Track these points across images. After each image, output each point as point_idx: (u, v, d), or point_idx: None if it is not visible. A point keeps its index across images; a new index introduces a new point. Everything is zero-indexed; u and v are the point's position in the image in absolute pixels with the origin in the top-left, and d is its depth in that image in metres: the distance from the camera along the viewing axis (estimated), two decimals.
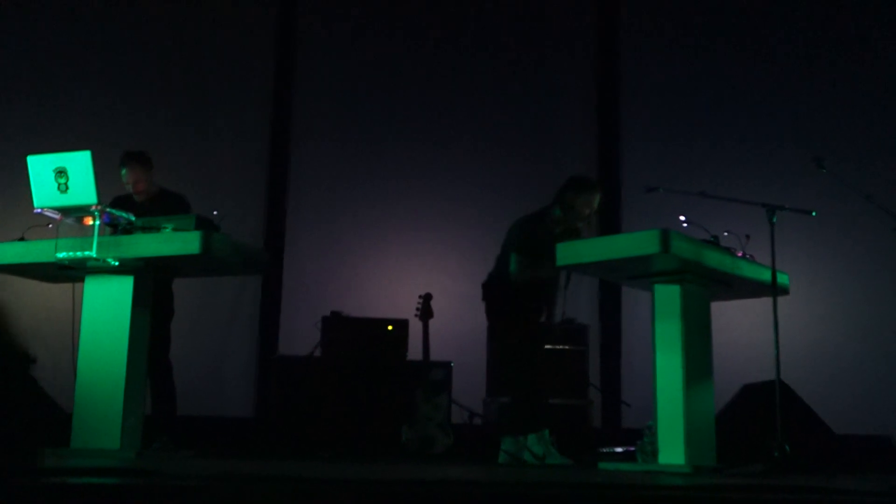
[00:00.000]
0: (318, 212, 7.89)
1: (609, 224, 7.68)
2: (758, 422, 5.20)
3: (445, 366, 6.43)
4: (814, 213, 4.99)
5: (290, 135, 7.97)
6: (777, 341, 4.70)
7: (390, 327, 6.72)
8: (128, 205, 5.18)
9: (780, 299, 4.80)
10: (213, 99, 7.88)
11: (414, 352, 6.52)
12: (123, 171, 5.30)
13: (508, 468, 4.84)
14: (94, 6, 7.86)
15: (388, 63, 8.21)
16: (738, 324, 6.82)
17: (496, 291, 5.34)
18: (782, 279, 4.85)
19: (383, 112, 8.12)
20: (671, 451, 4.36)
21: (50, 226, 4.40)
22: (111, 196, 5.05)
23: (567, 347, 6.74)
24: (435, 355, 6.29)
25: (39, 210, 4.28)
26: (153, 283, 4.70)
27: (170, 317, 5.27)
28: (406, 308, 6.56)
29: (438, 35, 8.27)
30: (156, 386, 5.11)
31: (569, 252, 4.47)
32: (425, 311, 6.33)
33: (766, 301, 4.85)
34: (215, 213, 4.90)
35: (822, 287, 7.59)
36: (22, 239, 4.56)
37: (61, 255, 4.32)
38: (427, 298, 6.37)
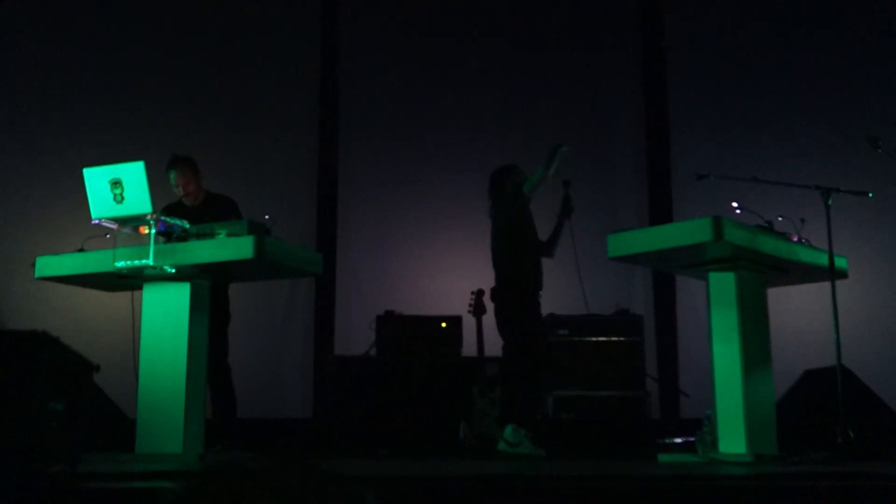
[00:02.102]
0: (368, 212, 7.94)
1: (660, 213, 7.61)
2: (820, 408, 5.12)
3: (500, 361, 6.42)
4: (870, 195, 4.90)
5: (338, 136, 8.02)
6: (837, 325, 4.62)
7: (444, 324, 6.73)
8: (179, 211, 5.26)
9: (839, 283, 4.72)
10: (261, 104, 7.96)
11: (468, 348, 6.52)
12: (172, 175, 5.32)
13: (567, 462, 4.83)
14: (144, 18, 7.99)
15: (433, 60, 8.22)
16: (796, 309, 6.71)
17: (507, 288, 5.42)
18: (840, 262, 4.77)
19: (430, 109, 8.13)
20: (731, 440, 4.31)
21: (108, 236, 4.49)
22: (162, 205, 5.12)
23: (622, 339, 6.69)
24: (489, 351, 6.28)
25: (97, 221, 4.36)
26: (210, 288, 4.78)
27: (226, 321, 5.33)
28: (459, 304, 6.56)
29: (483, 29, 8.25)
30: (215, 390, 5.17)
31: (620, 243, 4.44)
32: (478, 307, 6.33)
33: (825, 285, 4.77)
34: (267, 217, 4.96)
35: (881, 269, 7.43)
36: (81, 250, 4.66)
37: (120, 264, 4.41)
38: (479, 294, 6.37)
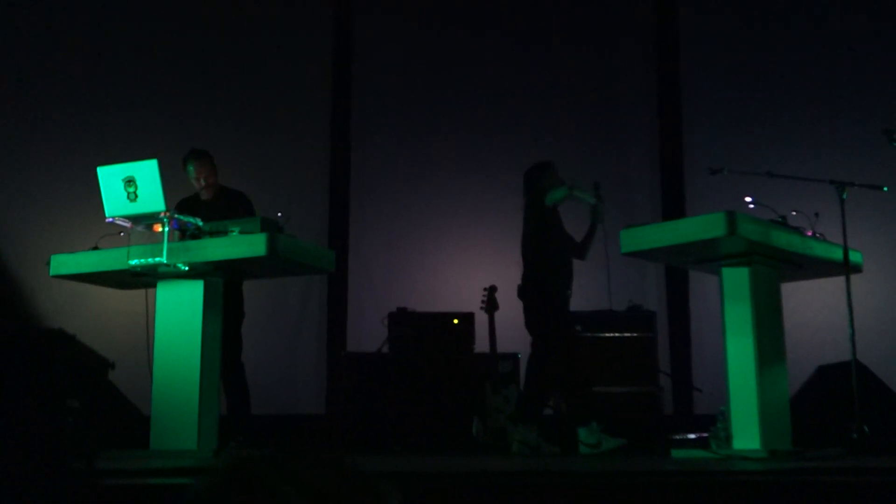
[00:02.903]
0: (380, 209, 7.95)
1: (674, 208, 7.59)
2: (834, 403, 5.10)
3: (513, 357, 6.42)
4: (885, 189, 4.87)
5: (349, 134, 8.03)
6: (852, 321, 4.60)
7: (456, 321, 6.74)
8: (195, 205, 5.28)
9: (854, 277, 4.70)
10: (273, 102, 7.98)
11: (481, 344, 6.53)
12: (191, 168, 5.35)
13: (584, 457, 4.83)
14: (158, 18, 8.01)
15: (446, 58, 8.21)
16: (811, 304, 6.69)
17: (532, 285, 5.43)
18: (855, 257, 4.74)
19: (442, 107, 8.13)
20: (746, 436, 4.30)
21: (122, 234, 4.51)
22: (175, 202, 5.13)
23: (635, 335, 6.68)
24: (502, 347, 6.28)
25: (111, 219, 4.39)
26: (223, 285, 4.80)
27: (241, 319, 5.36)
28: (471, 301, 6.56)
29: (496, 28, 8.24)
30: (229, 387, 5.19)
31: (634, 238, 4.43)
32: (490, 304, 6.33)
33: (839, 280, 4.75)
34: (280, 215, 4.97)
35: None
36: (95, 248, 4.69)
37: (133, 262, 4.43)
38: (492, 290, 6.37)
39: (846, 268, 4.60)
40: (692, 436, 5.36)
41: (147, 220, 4.39)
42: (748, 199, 4.57)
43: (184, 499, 0.83)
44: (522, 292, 5.45)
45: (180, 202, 5.39)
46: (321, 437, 6.45)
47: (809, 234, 4.55)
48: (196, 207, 5.23)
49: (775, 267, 4.54)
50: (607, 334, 6.68)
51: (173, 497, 2.52)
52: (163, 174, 4.29)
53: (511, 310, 6.37)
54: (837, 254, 4.62)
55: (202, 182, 5.35)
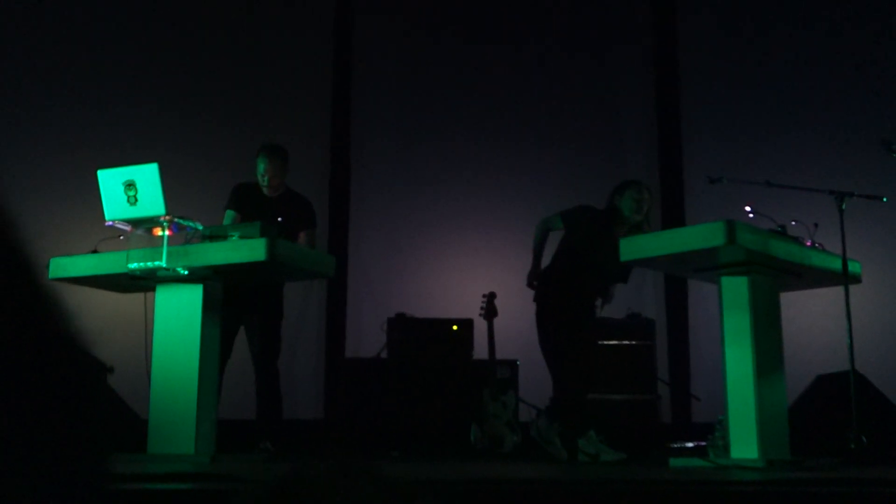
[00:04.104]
0: (379, 214, 7.95)
1: (673, 217, 7.59)
2: (833, 413, 5.10)
3: (511, 364, 6.42)
4: (885, 199, 4.88)
5: (349, 138, 8.03)
6: (850, 330, 4.60)
7: (455, 327, 6.74)
8: (254, 195, 5.26)
9: (853, 288, 4.70)
10: (272, 106, 7.98)
11: (480, 351, 6.52)
12: (259, 163, 5.29)
13: (582, 465, 4.82)
14: (157, 19, 8.03)
15: (446, 61, 8.22)
16: (809, 313, 6.69)
17: (548, 285, 5.35)
18: (854, 267, 4.75)
19: (443, 111, 8.14)
20: (743, 445, 4.30)
21: (122, 237, 4.51)
22: (176, 202, 5.12)
23: (633, 342, 6.69)
24: (501, 354, 6.28)
25: (111, 223, 4.39)
26: (266, 288, 4.97)
27: (280, 319, 5.30)
28: (471, 307, 6.56)
29: (496, 33, 8.26)
30: (262, 391, 5.15)
31: (632, 247, 4.43)
32: (490, 310, 6.33)
33: (838, 290, 4.75)
34: (280, 220, 4.98)
35: (895, 274, 7.39)
36: (95, 251, 4.69)
37: (133, 265, 4.43)
38: (491, 297, 6.37)
39: (845, 278, 4.60)
40: (690, 444, 5.37)
41: (147, 223, 4.39)
42: (747, 208, 4.57)
43: None
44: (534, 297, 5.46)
45: (239, 186, 5.35)
46: (320, 443, 6.45)
47: (808, 243, 4.55)
48: (254, 198, 5.22)
49: (774, 276, 4.54)
50: (606, 342, 6.68)
51: (170, 502, 2.52)
52: (163, 178, 4.30)
53: (510, 316, 6.38)
54: (836, 264, 4.62)
55: (265, 180, 5.28)
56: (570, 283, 5.27)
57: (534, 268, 5.37)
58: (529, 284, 5.38)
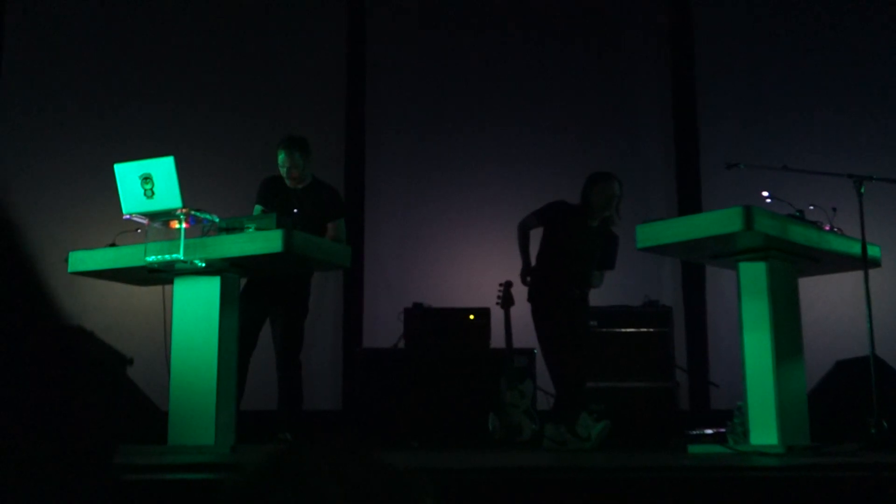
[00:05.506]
0: (395, 204, 7.95)
1: (690, 203, 7.56)
2: (853, 398, 5.07)
3: (528, 353, 6.42)
4: None
5: (364, 129, 8.03)
6: (870, 315, 4.57)
7: (472, 316, 6.73)
8: (280, 188, 5.26)
9: (872, 272, 4.67)
10: (287, 98, 7.98)
11: (497, 340, 6.52)
12: (279, 155, 5.28)
13: (602, 453, 4.82)
14: (171, 14, 8.04)
15: (461, 52, 8.20)
16: (829, 299, 6.65)
17: (534, 284, 5.52)
18: (873, 251, 4.71)
19: (458, 101, 8.12)
20: (763, 431, 4.28)
21: (139, 231, 4.53)
22: (192, 195, 5.13)
23: (651, 330, 6.67)
24: (518, 342, 6.28)
25: (128, 216, 4.41)
26: (292, 283, 5.02)
27: (304, 315, 5.29)
28: (487, 296, 6.56)
29: (510, 21, 8.22)
30: (283, 383, 5.17)
31: (649, 234, 4.42)
32: (506, 299, 6.33)
33: (858, 274, 4.72)
34: (295, 211, 4.98)
35: None
36: (113, 245, 4.71)
37: (150, 258, 4.45)
38: (508, 286, 6.36)
39: (864, 262, 4.57)
40: (709, 431, 5.35)
41: (164, 216, 4.41)
42: (765, 193, 4.54)
43: (221, 493, 0.82)
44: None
45: (266, 180, 5.35)
46: (338, 434, 6.47)
47: (827, 228, 4.52)
48: (280, 191, 5.24)
49: (792, 262, 4.52)
50: (623, 330, 6.66)
51: (190, 492, 2.54)
52: (179, 171, 4.31)
53: (527, 305, 6.37)
54: (855, 248, 4.59)
55: (286, 171, 5.26)
56: (551, 280, 5.41)
57: (524, 266, 5.54)
58: (524, 282, 5.56)
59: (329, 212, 5.27)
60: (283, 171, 5.28)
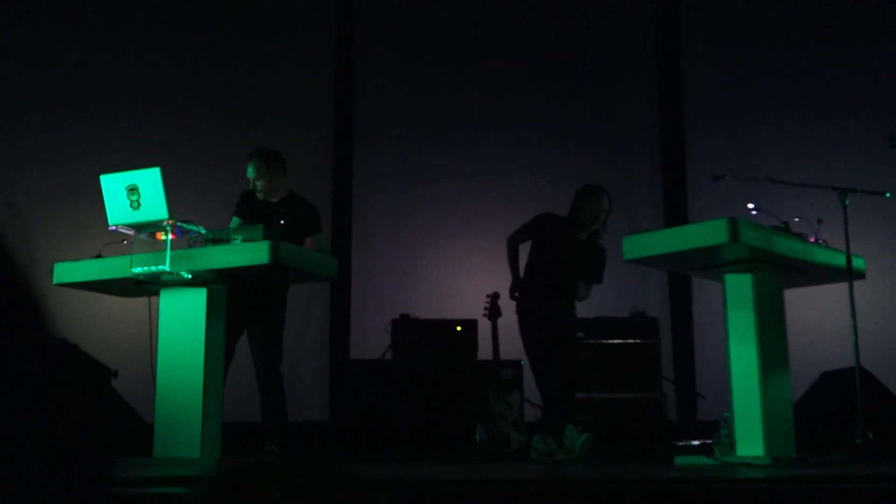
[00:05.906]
0: (382, 215, 7.95)
1: (676, 215, 7.58)
2: (839, 409, 5.09)
3: (516, 364, 6.42)
4: (888, 195, 4.87)
5: (352, 139, 8.03)
6: (855, 327, 4.60)
7: (459, 328, 6.74)
8: (256, 202, 5.22)
9: (857, 284, 4.69)
10: (274, 107, 7.98)
11: (484, 351, 6.52)
12: (248, 169, 5.24)
13: (587, 465, 4.82)
14: (158, 21, 8.03)
15: (450, 59, 8.22)
16: (814, 310, 6.67)
17: (520, 298, 5.58)
18: (858, 263, 4.74)
19: (446, 110, 8.13)
20: (749, 442, 4.29)
21: (125, 242, 4.51)
22: (180, 206, 5.11)
23: (638, 341, 6.68)
24: (505, 354, 6.28)
25: (114, 227, 4.39)
26: (269, 293, 4.98)
27: (282, 325, 5.25)
28: (474, 308, 6.56)
29: (498, 29, 8.24)
30: (266, 395, 5.13)
31: (636, 245, 4.43)
32: (494, 310, 6.33)
33: (843, 286, 4.74)
34: (282, 222, 4.97)
35: None
36: (99, 256, 4.69)
37: (136, 269, 4.43)
38: (495, 297, 6.36)
39: (849, 274, 4.60)
40: (695, 442, 5.35)
41: (150, 228, 4.39)
42: (751, 205, 4.57)
43: None
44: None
45: (246, 192, 5.30)
46: (325, 445, 6.45)
47: (812, 240, 4.55)
48: (256, 205, 5.21)
49: (778, 273, 4.54)
50: (610, 341, 6.68)
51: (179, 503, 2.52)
52: (165, 181, 4.29)
53: (514, 316, 6.38)
54: (840, 260, 4.61)
55: (254, 185, 5.23)
56: (538, 291, 5.46)
57: (514, 282, 5.58)
58: (512, 297, 5.60)
59: (306, 226, 5.24)
60: (252, 185, 5.25)
